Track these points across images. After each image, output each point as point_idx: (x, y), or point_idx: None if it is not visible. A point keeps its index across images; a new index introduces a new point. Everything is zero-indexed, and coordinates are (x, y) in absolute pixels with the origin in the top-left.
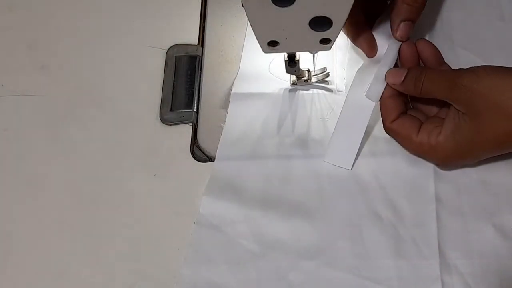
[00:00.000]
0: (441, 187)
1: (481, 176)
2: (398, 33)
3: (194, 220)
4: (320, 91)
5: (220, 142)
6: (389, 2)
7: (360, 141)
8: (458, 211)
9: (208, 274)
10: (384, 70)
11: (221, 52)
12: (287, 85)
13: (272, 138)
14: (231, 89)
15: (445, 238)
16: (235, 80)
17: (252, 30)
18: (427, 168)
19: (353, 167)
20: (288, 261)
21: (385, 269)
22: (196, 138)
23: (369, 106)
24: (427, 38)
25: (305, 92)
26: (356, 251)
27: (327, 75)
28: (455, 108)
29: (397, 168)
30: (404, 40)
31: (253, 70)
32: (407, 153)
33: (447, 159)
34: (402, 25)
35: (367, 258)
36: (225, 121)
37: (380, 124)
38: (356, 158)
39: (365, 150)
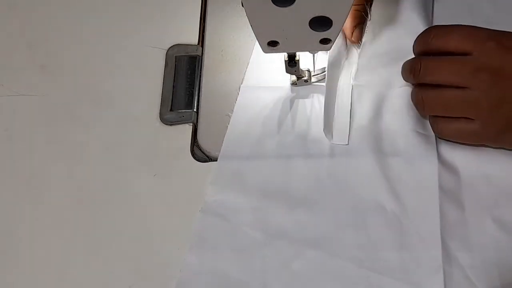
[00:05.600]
0: (445, 180)
1: (483, 170)
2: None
3: (194, 220)
4: (320, 91)
5: (225, 137)
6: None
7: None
8: (460, 203)
9: (212, 261)
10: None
11: (221, 52)
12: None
13: (275, 136)
14: (233, 86)
15: (447, 230)
16: (246, 72)
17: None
18: (431, 161)
19: (357, 162)
20: (293, 250)
21: (388, 260)
22: (196, 138)
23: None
24: (412, 43)
25: (305, 92)
26: (359, 241)
27: None
28: None
29: (401, 160)
30: (358, 41)
31: (264, 62)
32: (411, 150)
33: None
34: (357, 29)
35: (371, 248)
36: (230, 115)
37: (384, 123)
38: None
39: (370, 147)
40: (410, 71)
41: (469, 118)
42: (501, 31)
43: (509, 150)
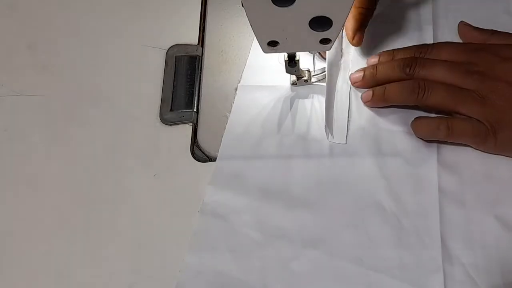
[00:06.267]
0: (444, 179)
1: (484, 169)
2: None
3: (194, 220)
4: (320, 91)
5: (223, 138)
6: None
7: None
8: (461, 202)
9: (212, 262)
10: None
11: (221, 52)
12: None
13: (275, 136)
14: (233, 86)
15: (447, 229)
16: (243, 72)
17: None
18: (431, 160)
19: (357, 162)
20: (291, 250)
21: (388, 259)
22: (196, 138)
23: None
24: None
25: (305, 92)
26: (358, 240)
27: None
28: None
29: (400, 160)
30: (359, 45)
31: (262, 62)
32: (411, 150)
33: None
34: (358, 33)
35: (370, 247)
36: (228, 115)
37: (384, 122)
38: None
39: (370, 147)
40: (406, 65)
41: (472, 118)
42: (489, 44)
43: (506, 156)
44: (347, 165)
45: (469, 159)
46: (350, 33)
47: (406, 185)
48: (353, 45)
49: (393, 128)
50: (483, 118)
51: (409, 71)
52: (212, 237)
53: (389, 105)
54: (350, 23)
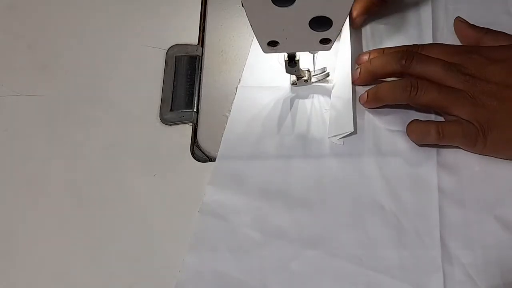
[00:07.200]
0: (444, 179)
1: (484, 169)
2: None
3: (194, 220)
4: (320, 91)
5: (223, 138)
6: None
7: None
8: (460, 202)
9: (212, 262)
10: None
11: (221, 52)
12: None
13: (275, 136)
14: (233, 86)
15: (447, 229)
16: (243, 73)
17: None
18: (431, 160)
19: (357, 162)
20: (291, 250)
21: (387, 259)
22: (196, 138)
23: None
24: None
25: (305, 92)
26: (358, 240)
27: (327, 75)
28: None
29: (400, 160)
30: (357, 27)
31: (262, 62)
32: (410, 150)
33: None
34: (362, 17)
35: (370, 247)
36: (227, 115)
37: (383, 122)
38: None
39: (370, 147)
40: (402, 56)
41: (460, 118)
42: (480, 46)
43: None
44: (347, 165)
45: (468, 159)
46: (354, 13)
47: (405, 185)
48: (353, 26)
49: (393, 128)
50: (473, 119)
51: (405, 63)
52: (212, 237)
53: (384, 104)
54: (358, 5)
